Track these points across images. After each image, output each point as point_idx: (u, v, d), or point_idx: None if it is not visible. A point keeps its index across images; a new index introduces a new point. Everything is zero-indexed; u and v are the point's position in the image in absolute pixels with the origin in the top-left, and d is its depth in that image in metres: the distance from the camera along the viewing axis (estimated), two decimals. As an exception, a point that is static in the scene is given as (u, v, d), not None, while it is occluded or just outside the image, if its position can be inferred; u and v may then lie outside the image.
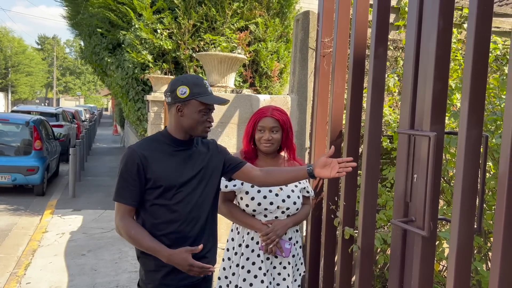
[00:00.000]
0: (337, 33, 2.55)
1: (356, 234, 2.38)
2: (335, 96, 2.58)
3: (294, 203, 2.21)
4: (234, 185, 2.18)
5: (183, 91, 1.77)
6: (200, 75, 6.24)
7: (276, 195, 2.18)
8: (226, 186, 2.19)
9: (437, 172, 1.84)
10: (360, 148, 2.57)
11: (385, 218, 2.82)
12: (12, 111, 13.35)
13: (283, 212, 2.19)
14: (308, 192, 2.33)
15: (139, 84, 6.67)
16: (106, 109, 55.13)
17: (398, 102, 2.98)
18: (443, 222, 3.01)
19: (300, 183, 2.28)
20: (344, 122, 2.69)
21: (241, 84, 6.58)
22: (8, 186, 7.85)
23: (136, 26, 6.15)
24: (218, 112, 2.82)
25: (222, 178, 2.02)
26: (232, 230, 2.31)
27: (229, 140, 2.86)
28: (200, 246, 1.78)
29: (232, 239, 2.29)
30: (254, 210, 2.17)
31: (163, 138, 1.85)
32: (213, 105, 1.83)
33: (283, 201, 2.18)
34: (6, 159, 7.55)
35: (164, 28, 6.26)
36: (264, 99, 2.93)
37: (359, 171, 2.51)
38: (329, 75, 2.75)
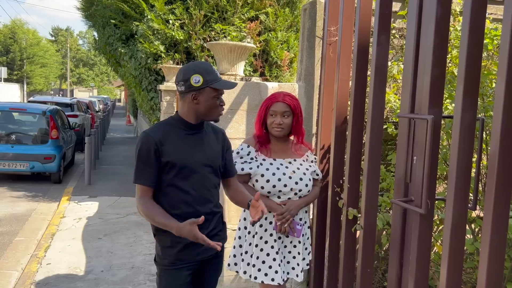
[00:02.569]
0: (343, 22, 2.64)
1: (359, 215, 2.50)
2: (341, 84, 2.68)
3: (306, 185, 2.34)
4: (250, 168, 2.31)
5: (197, 79, 1.87)
6: (211, 63, 6.35)
7: (290, 177, 2.30)
8: (243, 169, 2.30)
9: (434, 153, 1.94)
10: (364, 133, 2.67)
11: (389, 201, 2.92)
12: (29, 101, 13.63)
13: (295, 194, 2.32)
14: (317, 174, 2.48)
15: (152, 74, 6.81)
16: (119, 100, 55.64)
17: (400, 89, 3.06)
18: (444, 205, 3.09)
19: (310, 166, 2.43)
20: (349, 108, 2.79)
21: (252, 73, 6.68)
22: (27, 174, 8.09)
23: (149, 17, 6.27)
24: (228, 99, 2.94)
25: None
26: (244, 211, 2.45)
27: (239, 126, 2.98)
28: (202, 218, 1.79)
29: (245, 219, 2.42)
30: (268, 192, 2.30)
31: (176, 122, 1.97)
32: (223, 91, 1.96)
33: (296, 183, 2.31)
34: (24, 147, 7.80)
35: (176, 19, 6.37)
36: (272, 87, 3.04)
37: (362, 156, 2.61)
38: (335, 63, 2.84)
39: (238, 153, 2.37)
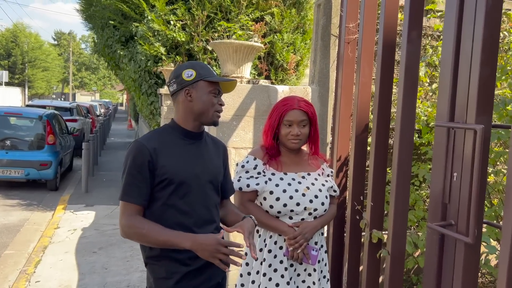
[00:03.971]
0: (364, 16, 2.33)
1: (384, 237, 2.17)
2: (361, 86, 2.36)
3: (322, 203, 2.00)
4: (257, 184, 1.98)
5: (189, 73, 1.64)
6: (214, 68, 6.06)
7: (303, 195, 1.97)
8: (248, 186, 1.98)
9: (483, 170, 1.61)
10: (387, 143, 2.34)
11: (414, 219, 2.60)
12: (27, 106, 13.37)
13: (310, 214, 1.98)
14: (334, 191, 2.12)
15: (152, 77, 6.52)
16: (121, 104, 55.51)
17: (428, 93, 2.75)
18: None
19: (327, 181, 2.08)
20: (371, 115, 2.47)
21: (256, 77, 6.37)
22: (22, 181, 7.79)
23: (149, 17, 5.98)
24: (233, 104, 2.63)
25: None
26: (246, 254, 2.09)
27: (245, 134, 2.66)
28: (222, 231, 1.60)
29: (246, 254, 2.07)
30: (279, 212, 1.96)
31: (172, 130, 1.69)
32: (221, 89, 1.71)
33: (311, 201, 1.97)
34: (19, 153, 7.50)
35: (178, 20, 6.08)
36: (283, 90, 2.73)
37: (388, 169, 2.29)
38: (353, 63, 2.53)
39: (243, 166, 2.03)
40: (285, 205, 1.95)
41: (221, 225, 1.82)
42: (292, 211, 1.96)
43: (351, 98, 2.55)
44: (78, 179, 8.59)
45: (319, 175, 2.08)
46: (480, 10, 1.56)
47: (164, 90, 5.83)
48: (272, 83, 6.45)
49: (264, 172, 2.00)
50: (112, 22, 6.87)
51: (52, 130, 7.84)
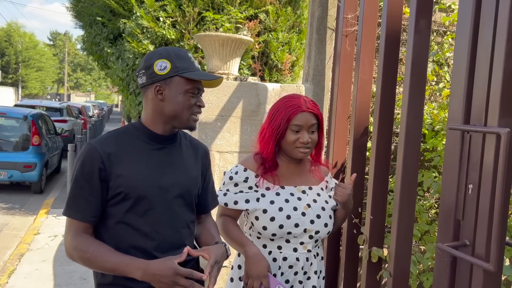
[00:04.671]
0: (364, 6, 2.07)
1: (385, 256, 1.91)
2: (361, 84, 2.10)
3: (325, 225, 1.66)
4: (247, 201, 1.65)
5: (162, 65, 1.32)
6: (205, 67, 5.80)
7: (303, 214, 1.63)
8: (236, 203, 1.65)
9: (508, 181, 1.35)
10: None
11: (417, 233, 2.34)
12: (15, 105, 13.04)
13: (311, 237, 1.64)
14: (337, 205, 1.76)
15: (141, 76, 6.23)
16: (117, 106, 55.13)
17: (436, 92, 2.50)
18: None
19: (331, 196, 1.73)
20: (371, 116, 2.21)
21: (250, 77, 6.10)
22: (5, 183, 7.49)
23: (137, 14, 5.71)
24: (217, 103, 2.36)
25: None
26: (239, 255, 1.76)
27: (231, 136, 2.40)
28: (186, 249, 1.32)
29: (239, 267, 1.74)
30: (273, 235, 1.62)
31: (136, 131, 1.39)
32: (202, 85, 1.39)
33: (312, 222, 1.63)
34: (2, 154, 7.19)
35: (167, 16, 5.82)
36: (273, 88, 2.46)
37: (389, 177, 2.03)
38: (352, 59, 2.27)
39: (231, 178, 1.68)
40: (281, 226, 1.60)
41: (195, 243, 1.54)
42: (289, 233, 1.61)
43: (349, 98, 2.29)
44: (65, 181, 8.29)
45: (322, 189, 1.74)
46: (505, -9, 1.31)
47: (152, 89, 5.55)
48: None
49: (256, 186, 1.66)
50: (100, 19, 6.60)
51: (37, 130, 7.55)
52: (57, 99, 43.96)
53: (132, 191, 1.29)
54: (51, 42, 56.52)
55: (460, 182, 1.52)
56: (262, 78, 6.29)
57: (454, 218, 1.55)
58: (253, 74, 6.22)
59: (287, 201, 1.63)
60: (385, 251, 2.00)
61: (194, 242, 1.53)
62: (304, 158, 1.71)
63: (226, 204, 1.66)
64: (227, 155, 2.37)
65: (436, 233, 2.52)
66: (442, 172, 2.57)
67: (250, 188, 1.65)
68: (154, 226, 1.33)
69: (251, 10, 6.01)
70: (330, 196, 1.73)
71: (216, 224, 1.62)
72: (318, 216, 1.64)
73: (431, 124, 2.50)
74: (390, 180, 2.22)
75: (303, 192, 1.68)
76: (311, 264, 1.67)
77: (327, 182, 1.77)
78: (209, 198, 1.59)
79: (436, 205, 2.75)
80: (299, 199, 1.65)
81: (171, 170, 1.38)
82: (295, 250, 1.63)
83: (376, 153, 1.96)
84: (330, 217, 1.68)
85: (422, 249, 2.64)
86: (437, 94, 2.38)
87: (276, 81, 6.44)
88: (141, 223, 1.32)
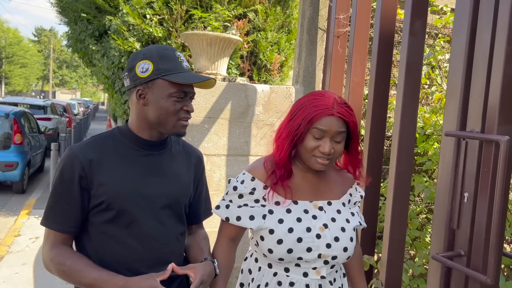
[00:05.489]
0: (357, 7, 2.02)
1: (376, 264, 1.86)
2: (353, 87, 2.04)
3: (345, 249, 1.36)
4: (252, 218, 1.38)
5: (144, 67, 1.23)
6: (192, 66, 5.70)
7: (318, 236, 1.35)
8: (239, 219, 1.38)
9: (506, 190, 1.31)
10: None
11: (408, 240, 2.29)
12: (-2, 103, 12.74)
13: (326, 263, 1.36)
14: (361, 224, 1.48)
15: (126, 74, 6.11)
16: (103, 103, 54.51)
17: (429, 96, 2.46)
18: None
19: (354, 214, 1.45)
20: (363, 119, 2.16)
21: (239, 77, 6.02)
22: (-15, 183, 7.30)
23: (124, 10, 5.59)
24: (204, 104, 2.28)
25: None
26: (246, 259, 1.54)
27: (219, 139, 2.32)
28: (170, 266, 1.24)
29: (250, 271, 1.48)
30: (280, 259, 1.34)
31: (122, 136, 1.30)
32: (193, 88, 1.29)
33: (328, 246, 1.35)
34: (-17, 153, 7.00)
35: (154, 14, 5.71)
36: (263, 90, 2.40)
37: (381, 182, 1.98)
38: (343, 60, 2.22)
39: (235, 188, 1.40)
40: (290, 251, 1.32)
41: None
42: (300, 258, 1.34)
43: (340, 100, 2.23)
44: (49, 181, 8.11)
45: (343, 204, 1.45)
46: (505, -7, 1.26)
47: (138, 88, 5.45)
48: (254, 83, 6.12)
49: (264, 200, 1.38)
50: (85, 16, 6.46)
51: (19, 129, 7.36)
52: (41, 96, 43.28)
53: (114, 201, 1.21)
54: (36, 38, 55.59)
55: (456, 191, 1.47)
56: (251, 78, 6.22)
57: (449, 227, 1.50)
58: (242, 74, 6.14)
59: (299, 220, 1.36)
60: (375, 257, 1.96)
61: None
62: (332, 171, 1.46)
63: (227, 219, 1.40)
64: (214, 158, 2.30)
65: (426, 239, 2.48)
66: (435, 178, 2.53)
67: (257, 201, 1.38)
68: (139, 239, 1.25)
69: (240, 9, 5.94)
70: (353, 214, 1.45)
71: (207, 237, 1.49)
72: (336, 239, 1.36)
73: (422, 128, 2.46)
74: (382, 184, 2.17)
75: (320, 208, 1.40)
76: None
77: (350, 195, 1.48)
78: (202, 208, 1.49)
79: (426, 210, 2.71)
80: (314, 217, 1.37)
81: (158, 178, 1.29)
82: (305, 275, 1.36)
83: (368, 158, 1.91)
84: (351, 239, 1.39)
85: (412, 254, 2.60)
86: (430, 97, 2.34)
87: (265, 81, 6.38)
88: (125, 235, 1.24)
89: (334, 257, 1.35)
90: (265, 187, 1.38)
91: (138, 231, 1.25)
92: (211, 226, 2.30)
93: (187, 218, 1.42)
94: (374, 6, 2.33)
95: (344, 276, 1.50)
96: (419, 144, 2.49)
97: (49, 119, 11.43)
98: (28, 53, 38.34)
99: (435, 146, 2.41)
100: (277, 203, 1.38)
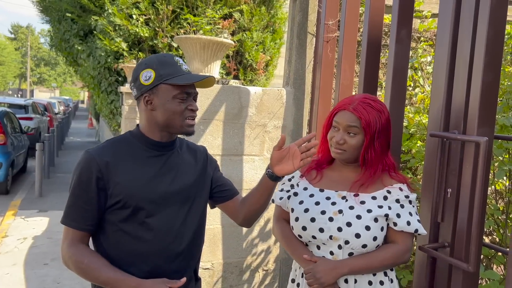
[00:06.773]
0: (346, 13, 2.13)
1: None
2: (342, 90, 2.16)
3: (358, 235, 1.42)
4: (281, 198, 1.61)
5: (147, 76, 1.33)
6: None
7: (331, 219, 1.46)
8: (281, 198, 1.62)
9: (485, 186, 1.44)
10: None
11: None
12: (-23, 102, 12.49)
13: (340, 248, 1.44)
14: (395, 224, 1.45)
15: (112, 74, 6.12)
16: (82, 102, 53.70)
17: (413, 97, 2.59)
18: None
19: (382, 207, 1.46)
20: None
21: (224, 76, 6.11)
22: (-32, 184, 7.19)
23: (109, 11, 5.60)
24: (200, 106, 2.37)
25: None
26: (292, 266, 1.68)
27: (213, 140, 2.41)
28: (183, 279, 1.32)
29: (292, 280, 1.62)
30: (299, 236, 1.53)
31: (134, 139, 1.40)
32: (194, 88, 1.38)
33: (339, 230, 1.43)
34: (-35, 154, 6.90)
35: (141, 14, 5.73)
36: (255, 92, 2.49)
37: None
38: (333, 64, 2.32)
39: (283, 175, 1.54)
40: (304, 228, 1.48)
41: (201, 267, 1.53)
42: (314, 237, 1.47)
43: (329, 103, 2.35)
44: (32, 182, 8.04)
45: (373, 198, 1.47)
46: (484, 7, 1.38)
47: (125, 88, 5.45)
48: (241, 83, 6.21)
49: (298, 185, 1.59)
50: (70, 15, 6.43)
51: (2, 129, 7.28)
52: (19, 95, 42.39)
53: (130, 200, 1.30)
54: (13, 35, 54.34)
55: (440, 187, 1.59)
56: (237, 78, 6.30)
57: (434, 221, 1.62)
58: (228, 74, 6.22)
59: (317, 203, 1.50)
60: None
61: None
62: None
63: (272, 201, 1.62)
64: (209, 158, 2.39)
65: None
66: (418, 174, 2.67)
67: (292, 186, 1.60)
68: (155, 234, 1.33)
69: (226, 9, 6.01)
70: (381, 206, 1.45)
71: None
72: (349, 224, 1.43)
73: (406, 127, 2.59)
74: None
75: (343, 198, 1.49)
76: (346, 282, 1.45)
77: (388, 192, 1.49)
78: (227, 187, 1.55)
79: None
80: (333, 204, 1.48)
81: (170, 176, 1.38)
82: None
83: (358, 157, 2.02)
84: (368, 228, 1.41)
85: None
86: (413, 98, 2.47)
87: (250, 80, 6.47)
88: (140, 230, 1.32)
89: (346, 242, 1.43)
90: (301, 176, 1.61)
91: (154, 226, 1.33)
92: (213, 223, 2.38)
93: (223, 197, 1.52)
94: (362, 12, 2.44)
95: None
96: (404, 143, 2.62)
97: (30, 118, 11.28)
98: (5, 51, 37.50)
99: (418, 144, 2.54)
100: (305, 189, 1.57)
